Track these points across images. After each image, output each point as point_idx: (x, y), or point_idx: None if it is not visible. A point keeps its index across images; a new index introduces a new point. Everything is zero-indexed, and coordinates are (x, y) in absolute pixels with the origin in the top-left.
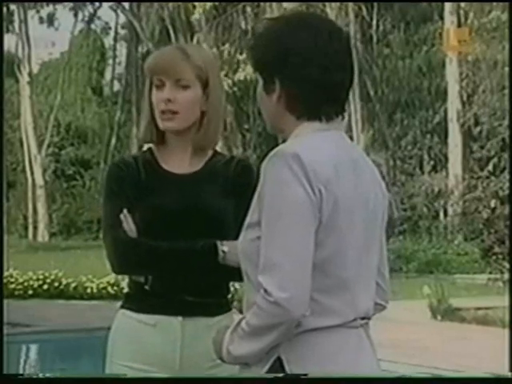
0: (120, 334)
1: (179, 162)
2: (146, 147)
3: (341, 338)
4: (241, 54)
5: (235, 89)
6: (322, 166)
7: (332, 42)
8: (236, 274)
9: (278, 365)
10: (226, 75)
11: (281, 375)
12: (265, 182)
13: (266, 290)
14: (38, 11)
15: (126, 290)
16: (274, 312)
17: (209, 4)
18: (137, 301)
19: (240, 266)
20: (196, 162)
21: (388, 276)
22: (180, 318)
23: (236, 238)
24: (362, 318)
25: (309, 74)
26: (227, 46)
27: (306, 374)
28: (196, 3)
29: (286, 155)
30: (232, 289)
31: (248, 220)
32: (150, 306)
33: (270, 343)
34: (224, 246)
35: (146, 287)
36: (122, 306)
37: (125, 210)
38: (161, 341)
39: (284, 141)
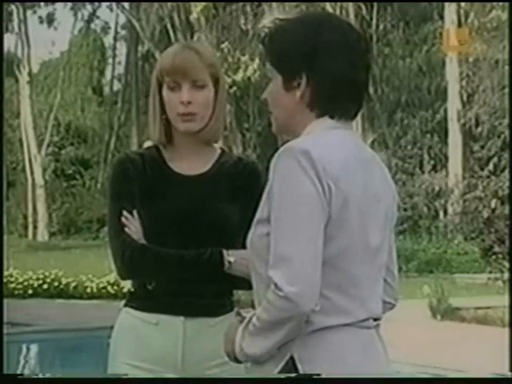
0: (123, 332)
1: (187, 163)
2: (146, 144)
3: (353, 338)
4: (241, 53)
5: (235, 88)
6: (332, 162)
7: (360, 42)
8: (241, 283)
9: (291, 364)
10: (226, 75)
11: (293, 375)
12: (274, 177)
13: (275, 285)
14: (34, 11)
15: (129, 288)
16: (284, 306)
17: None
18: (140, 299)
19: (245, 276)
20: (203, 163)
21: (397, 274)
22: (182, 318)
23: (242, 241)
24: (375, 320)
25: (338, 70)
26: (227, 45)
27: (318, 374)
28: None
29: (296, 151)
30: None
31: (258, 216)
32: (153, 305)
33: (281, 339)
34: (230, 257)
35: (149, 287)
36: (126, 305)
37: (125, 213)
38: (162, 340)
39: (284, 142)
